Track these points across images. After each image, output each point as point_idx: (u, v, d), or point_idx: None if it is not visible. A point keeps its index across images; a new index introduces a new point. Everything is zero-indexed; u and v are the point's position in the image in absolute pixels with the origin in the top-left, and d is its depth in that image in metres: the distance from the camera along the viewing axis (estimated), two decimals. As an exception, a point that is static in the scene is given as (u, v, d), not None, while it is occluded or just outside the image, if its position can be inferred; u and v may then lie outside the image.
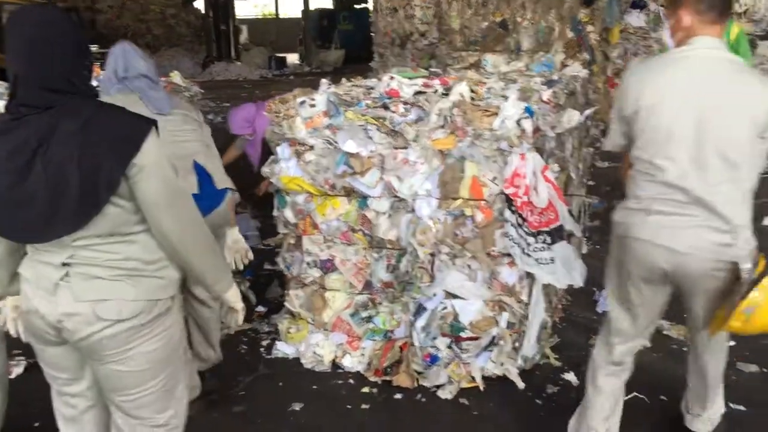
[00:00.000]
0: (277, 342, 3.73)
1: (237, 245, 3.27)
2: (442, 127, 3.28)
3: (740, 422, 3.02)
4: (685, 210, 2.28)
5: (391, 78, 3.78)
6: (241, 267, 3.34)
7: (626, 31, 9.99)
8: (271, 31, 28.37)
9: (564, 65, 8.97)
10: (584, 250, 5.11)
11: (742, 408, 3.11)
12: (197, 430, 3.01)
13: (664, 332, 3.83)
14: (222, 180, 3.09)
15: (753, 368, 3.44)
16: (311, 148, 3.38)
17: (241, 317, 2.21)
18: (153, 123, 1.90)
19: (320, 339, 3.56)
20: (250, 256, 3.34)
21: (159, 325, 1.97)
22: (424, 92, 3.59)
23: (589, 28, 9.20)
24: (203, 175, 2.97)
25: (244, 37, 28.19)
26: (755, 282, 2.19)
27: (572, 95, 4.06)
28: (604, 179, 7.27)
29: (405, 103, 3.40)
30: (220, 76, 21.12)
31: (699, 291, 2.38)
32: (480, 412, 3.14)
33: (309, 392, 3.35)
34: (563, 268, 3.19)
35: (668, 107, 2.28)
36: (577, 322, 4.03)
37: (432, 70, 5.09)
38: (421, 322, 3.36)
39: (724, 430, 2.91)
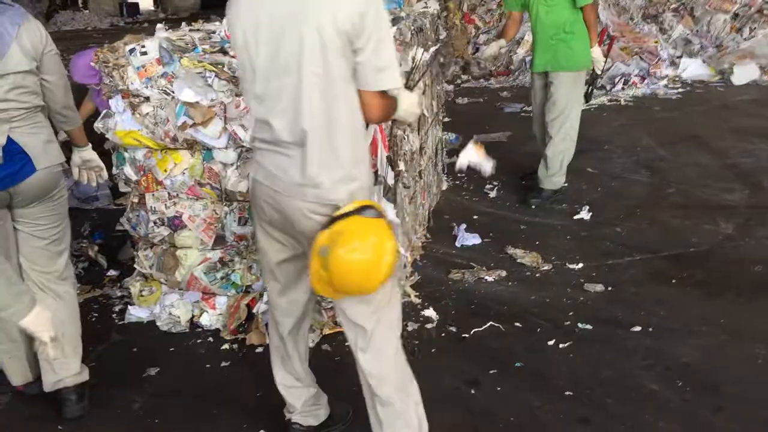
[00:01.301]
0: (129, 306, 3.55)
1: (89, 164, 3.03)
2: (284, 70, 3.15)
3: (586, 339, 3.18)
4: (277, 148, 2.05)
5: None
6: (94, 184, 3.15)
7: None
8: (120, -25, 26.62)
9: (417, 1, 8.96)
10: (444, 186, 5.19)
11: (588, 327, 3.27)
12: (43, 411, 2.86)
13: (518, 260, 3.97)
14: (45, 157, 2.66)
15: (599, 288, 3.62)
16: (147, 99, 3.16)
17: (52, 349, 1.83)
18: None
19: (175, 299, 3.42)
20: (104, 175, 3.12)
21: None
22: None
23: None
24: (13, 150, 2.58)
25: (90, -18, 26.26)
26: (332, 220, 1.96)
27: (420, 32, 4.02)
28: (463, 115, 7.41)
29: (244, 46, 3.23)
30: (67, 26, 19.62)
31: (302, 239, 2.12)
32: (341, 357, 3.13)
33: (166, 355, 3.22)
34: None
35: (245, 41, 2.01)
36: (437, 257, 4.09)
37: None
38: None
39: (572, 349, 3.08)
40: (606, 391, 2.81)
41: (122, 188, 3.44)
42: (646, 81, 8.37)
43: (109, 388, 2.99)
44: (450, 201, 5.01)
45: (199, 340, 3.32)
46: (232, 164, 3.22)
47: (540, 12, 4.45)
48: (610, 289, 3.62)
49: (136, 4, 23.18)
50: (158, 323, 3.42)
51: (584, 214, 4.57)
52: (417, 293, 3.64)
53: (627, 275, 3.76)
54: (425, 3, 4.91)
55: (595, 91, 5.12)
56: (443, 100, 5.01)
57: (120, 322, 3.52)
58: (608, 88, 8.27)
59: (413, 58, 3.35)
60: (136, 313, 3.51)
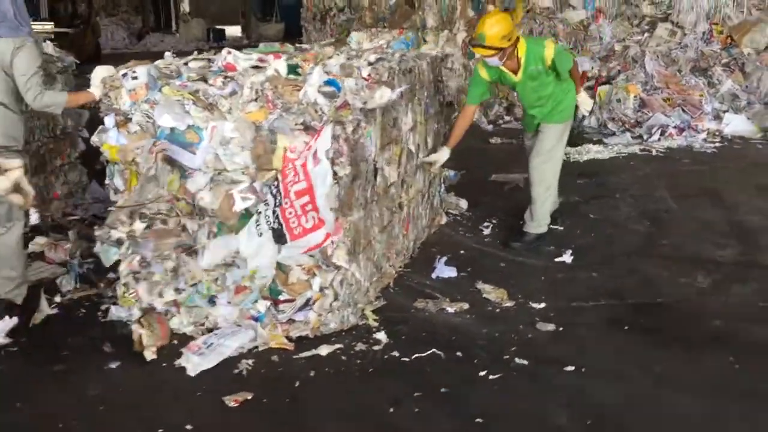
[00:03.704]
0: (113, 306, 3.89)
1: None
2: (256, 100, 3.46)
3: (517, 374, 3.29)
4: None
5: (229, 53, 3.96)
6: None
7: (532, 10, 10.25)
8: (212, 3, 28.15)
9: (466, 45, 9.25)
10: (443, 220, 5.38)
11: (524, 362, 3.39)
12: (12, 386, 3.22)
13: (484, 295, 4.11)
14: None
15: (550, 327, 3.72)
16: (129, 120, 3.53)
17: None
18: None
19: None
20: None
21: None
22: (261, 67, 3.78)
23: (490, 7, 9.45)
24: None
25: (184, 8, 27.87)
26: None
27: (409, 73, 4.27)
28: (489, 155, 7.60)
29: (225, 77, 3.57)
30: (155, 48, 20.90)
31: None
32: (286, 368, 3.36)
33: (128, 354, 3.49)
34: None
35: None
36: (409, 286, 4.27)
37: (300, 46, 5.25)
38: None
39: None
40: (514, 423, 2.94)
41: (111, 197, 3.80)
42: (684, 133, 8.32)
43: (71, 375, 3.32)
44: (444, 235, 5.19)
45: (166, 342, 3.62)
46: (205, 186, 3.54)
47: (528, 89, 4.68)
48: (560, 329, 3.71)
49: (223, 30, 24.46)
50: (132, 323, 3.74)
51: (566, 258, 4.66)
52: (376, 317, 3.83)
53: (583, 318, 3.85)
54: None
55: (582, 132, 5.28)
56: (441, 137, 5.21)
57: (102, 320, 3.87)
58: (645, 137, 8.28)
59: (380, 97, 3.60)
60: (117, 312, 3.84)
